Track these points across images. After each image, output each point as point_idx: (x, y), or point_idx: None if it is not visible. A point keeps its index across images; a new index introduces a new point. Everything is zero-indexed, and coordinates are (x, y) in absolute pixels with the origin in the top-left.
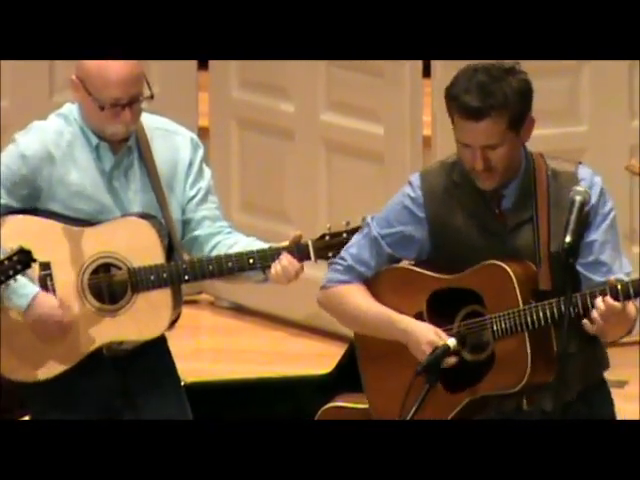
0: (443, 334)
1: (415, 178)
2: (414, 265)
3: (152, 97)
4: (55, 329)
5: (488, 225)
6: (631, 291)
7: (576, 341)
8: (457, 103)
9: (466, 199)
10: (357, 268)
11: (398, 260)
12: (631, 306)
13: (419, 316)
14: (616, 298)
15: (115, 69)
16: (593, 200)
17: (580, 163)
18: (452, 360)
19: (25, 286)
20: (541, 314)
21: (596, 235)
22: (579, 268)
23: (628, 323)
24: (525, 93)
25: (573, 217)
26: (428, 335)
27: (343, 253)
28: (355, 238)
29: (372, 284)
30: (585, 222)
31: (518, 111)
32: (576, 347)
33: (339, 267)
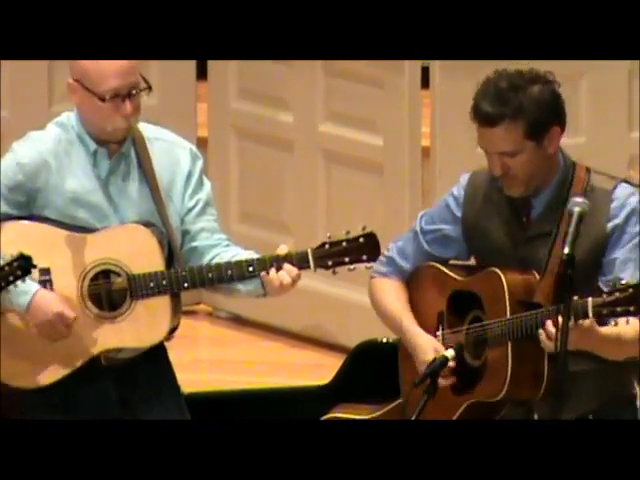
0: (442, 348)
1: (464, 177)
2: (446, 265)
3: (150, 88)
4: (59, 324)
5: (513, 233)
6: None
7: (588, 359)
8: (474, 109)
9: (502, 205)
10: (397, 261)
11: (438, 258)
12: (620, 328)
13: (440, 315)
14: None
15: (111, 61)
16: (619, 220)
17: (623, 181)
18: (450, 365)
19: (25, 284)
20: (520, 325)
21: (619, 253)
22: (600, 285)
23: (611, 343)
24: (548, 103)
25: (571, 229)
26: (426, 354)
27: (391, 244)
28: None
29: (411, 279)
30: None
31: (536, 120)
32: (589, 365)
33: (383, 258)
